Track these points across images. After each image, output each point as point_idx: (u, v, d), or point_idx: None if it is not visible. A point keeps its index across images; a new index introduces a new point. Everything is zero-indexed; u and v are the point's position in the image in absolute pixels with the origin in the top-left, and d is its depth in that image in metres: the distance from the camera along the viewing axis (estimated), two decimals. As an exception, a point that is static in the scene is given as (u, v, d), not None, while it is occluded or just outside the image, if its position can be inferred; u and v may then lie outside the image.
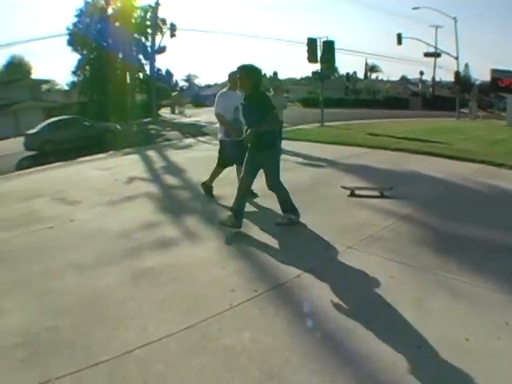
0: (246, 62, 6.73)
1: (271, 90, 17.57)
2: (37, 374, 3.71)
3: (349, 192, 9.01)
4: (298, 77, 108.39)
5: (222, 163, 9.09)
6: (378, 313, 4.33)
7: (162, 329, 4.26)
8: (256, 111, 6.57)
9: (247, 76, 6.57)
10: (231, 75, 8.71)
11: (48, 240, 7.37)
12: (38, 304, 5.00)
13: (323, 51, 26.43)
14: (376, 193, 8.90)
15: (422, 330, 3.99)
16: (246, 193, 7.05)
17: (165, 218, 8.06)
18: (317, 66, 28.45)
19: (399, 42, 46.74)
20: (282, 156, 13.48)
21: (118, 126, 29.52)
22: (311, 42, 26.58)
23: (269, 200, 8.00)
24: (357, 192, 9.01)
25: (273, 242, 6.45)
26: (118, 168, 14.55)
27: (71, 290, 5.29)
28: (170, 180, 11.96)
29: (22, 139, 25.77)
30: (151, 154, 17.97)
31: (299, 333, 4.08)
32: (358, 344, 3.82)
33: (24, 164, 20.67)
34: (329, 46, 26.72)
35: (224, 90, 8.99)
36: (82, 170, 15.08)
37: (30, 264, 6.28)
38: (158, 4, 44.34)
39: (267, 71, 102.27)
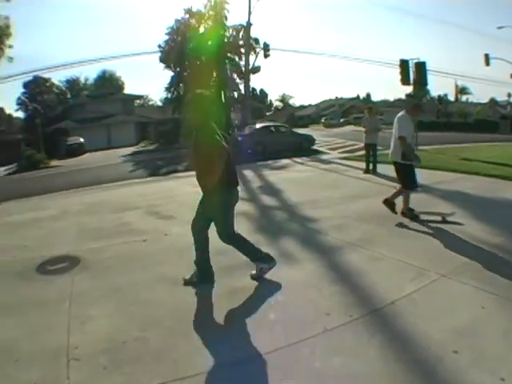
0: (198, 90, 5.90)
1: (365, 112, 17.54)
2: (118, 383, 3.84)
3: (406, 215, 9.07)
4: (392, 99, 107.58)
5: (408, 185, 9.05)
6: (466, 343, 4.22)
7: (254, 349, 4.29)
8: (205, 149, 5.62)
9: (195, 110, 5.78)
10: (410, 100, 8.70)
11: (141, 252, 7.72)
12: (127, 313, 5.21)
13: (415, 73, 26.04)
14: (438, 217, 8.81)
15: (508, 362, 3.87)
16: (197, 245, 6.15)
17: (262, 238, 8.11)
18: (410, 89, 28.10)
19: (487, 63, 45.32)
20: (379, 180, 13.54)
21: (314, 136, 32.69)
22: (403, 64, 26.22)
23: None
24: (421, 217, 8.99)
25: (370, 267, 6.37)
26: (214, 186, 14.80)
27: (162, 303, 5.48)
28: (267, 200, 12.09)
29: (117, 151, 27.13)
30: (247, 173, 18.33)
31: (391, 360, 4.02)
32: (445, 374, 3.76)
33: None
34: (420, 67, 26.25)
35: (402, 113, 9.01)
36: (177, 186, 15.75)
37: (121, 274, 6.61)
38: (249, 24, 45.08)
39: (360, 93, 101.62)
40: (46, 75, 76.68)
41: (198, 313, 5.16)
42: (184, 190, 14.27)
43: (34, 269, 7.25)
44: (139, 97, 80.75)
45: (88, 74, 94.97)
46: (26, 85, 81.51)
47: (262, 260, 6.10)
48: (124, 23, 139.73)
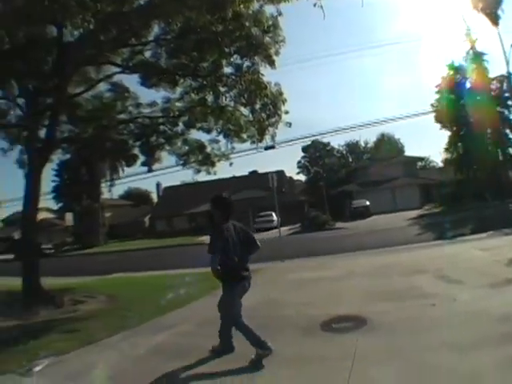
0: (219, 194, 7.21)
1: None
2: None
3: None
4: None
5: None
6: None
7: None
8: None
9: (213, 207, 6.99)
10: None
11: (428, 316, 7.46)
12: (409, 379, 5.03)
13: None
14: None
15: None
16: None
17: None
18: None
19: None
20: None
21: None
22: None
23: None
24: None
25: None
26: (499, 249, 13.93)
27: (444, 369, 5.18)
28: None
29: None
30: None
31: None
32: None
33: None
34: None
35: None
36: (464, 250, 15.09)
37: (407, 337, 6.43)
38: (510, 73, 42.17)
39: None
40: (324, 139, 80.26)
41: (479, 382, 4.78)
42: (472, 254, 13.78)
43: (318, 325, 7.49)
44: (420, 159, 79.26)
45: (367, 136, 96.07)
46: (304, 149, 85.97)
47: (223, 342, 6.85)
48: (393, 84, 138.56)
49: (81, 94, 16.41)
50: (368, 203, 52.34)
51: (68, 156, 26.57)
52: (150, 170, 19.36)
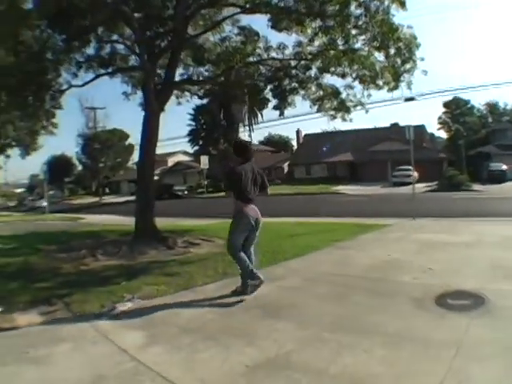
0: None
1: None
2: None
3: None
4: None
5: None
6: None
7: None
8: None
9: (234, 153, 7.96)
10: None
11: None
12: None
13: None
14: None
15: None
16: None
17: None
18: None
19: None
20: None
21: None
22: None
23: None
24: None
25: None
26: None
27: None
28: None
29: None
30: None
31: None
32: None
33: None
34: None
35: None
36: None
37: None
38: None
39: None
40: (465, 97, 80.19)
41: None
42: None
43: (433, 298, 6.71)
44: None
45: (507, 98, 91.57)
46: (446, 104, 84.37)
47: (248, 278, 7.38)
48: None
49: (201, 34, 16.49)
50: (505, 167, 49.57)
51: (204, 101, 27.01)
52: (281, 114, 19.13)
